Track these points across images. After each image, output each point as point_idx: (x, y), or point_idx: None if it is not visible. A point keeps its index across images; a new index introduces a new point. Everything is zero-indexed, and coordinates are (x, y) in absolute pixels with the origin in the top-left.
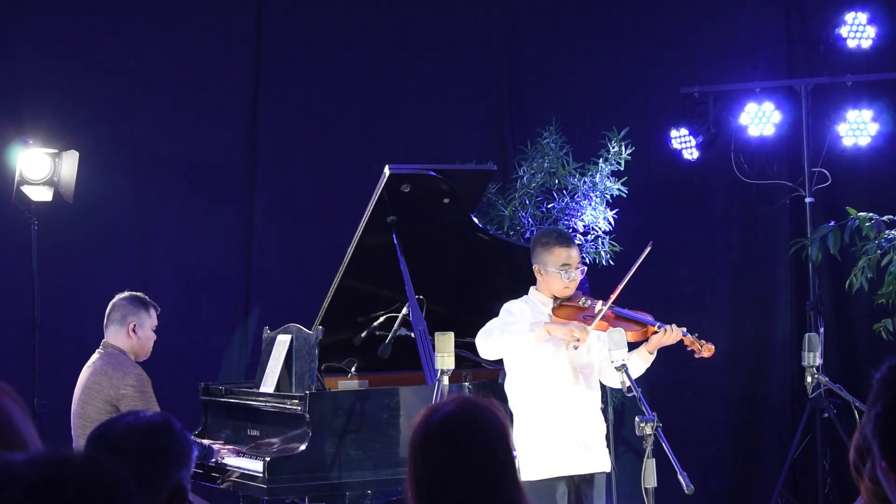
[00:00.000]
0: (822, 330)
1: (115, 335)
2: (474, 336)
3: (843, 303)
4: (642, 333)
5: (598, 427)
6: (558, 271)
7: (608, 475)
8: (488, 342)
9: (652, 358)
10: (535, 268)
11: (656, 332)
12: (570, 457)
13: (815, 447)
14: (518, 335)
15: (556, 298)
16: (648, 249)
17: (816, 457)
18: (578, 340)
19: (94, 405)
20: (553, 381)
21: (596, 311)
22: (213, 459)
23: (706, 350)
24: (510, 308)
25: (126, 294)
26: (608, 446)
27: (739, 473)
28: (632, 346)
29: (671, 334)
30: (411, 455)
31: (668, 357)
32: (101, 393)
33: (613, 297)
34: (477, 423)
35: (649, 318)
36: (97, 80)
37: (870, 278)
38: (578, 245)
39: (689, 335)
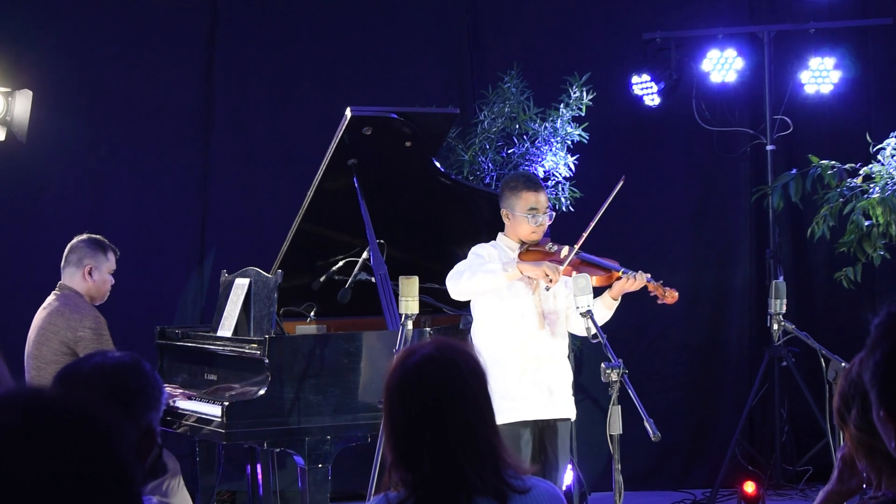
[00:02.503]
0: (781, 278)
1: (71, 277)
2: (434, 282)
3: (803, 251)
4: (607, 279)
5: (563, 374)
6: (526, 215)
7: (572, 423)
8: (459, 283)
9: (616, 304)
10: (503, 212)
11: (620, 278)
12: (534, 402)
13: (772, 396)
14: (490, 274)
15: (523, 243)
16: (620, 184)
17: (774, 405)
18: (551, 281)
19: (50, 346)
20: (519, 326)
21: (563, 257)
22: (168, 402)
23: (669, 296)
24: (478, 251)
25: (84, 236)
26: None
27: (697, 422)
28: (597, 292)
29: (636, 280)
30: (387, 399)
31: (627, 304)
32: (58, 335)
33: (580, 242)
34: (455, 365)
35: (615, 263)
36: (52, 19)
37: (831, 226)
38: None
39: (653, 281)
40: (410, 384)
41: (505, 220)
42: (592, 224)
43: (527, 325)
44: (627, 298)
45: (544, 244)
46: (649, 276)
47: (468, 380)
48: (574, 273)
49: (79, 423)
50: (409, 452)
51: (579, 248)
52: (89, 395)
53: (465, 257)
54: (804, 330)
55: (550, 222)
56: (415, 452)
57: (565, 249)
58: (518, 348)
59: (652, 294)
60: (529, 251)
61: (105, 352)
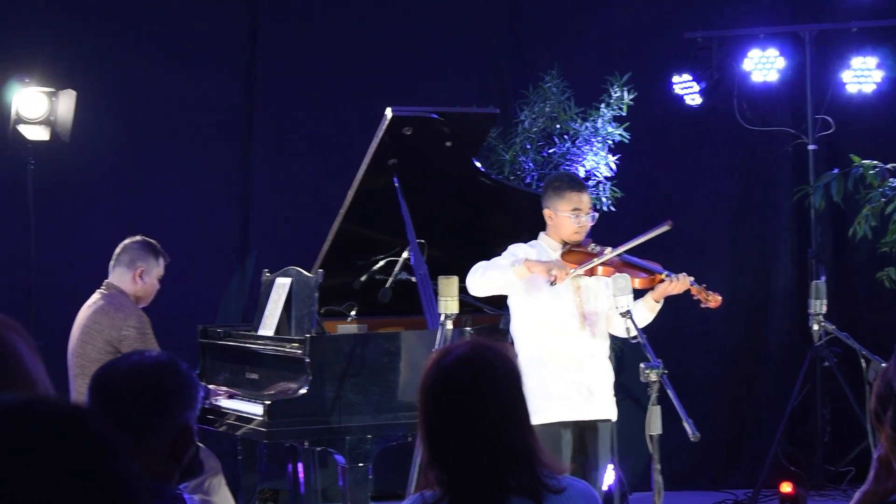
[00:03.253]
0: (823, 278)
1: (120, 277)
2: None
3: (845, 251)
4: (650, 281)
5: (604, 375)
6: (569, 216)
7: (613, 424)
8: (473, 277)
9: (658, 307)
10: (546, 212)
11: (663, 281)
12: (574, 403)
13: (814, 396)
14: (499, 270)
15: (565, 244)
16: (666, 228)
17: (816, 406)
18: (555, 278)
19: (95, 345)
20: (559, 326)
21: (605, 257)
22: (208, 400)
23: (713, 300)
24: (513, 250)
25: (138, 238)
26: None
27: (738, 422)
28: (639, 294)
29: (678, 283)
30: (422, 399)
31: (668, 304)
32: (102, 333)
33: (623, 248)
34: (490, 366)
35: (658, 266)
36: (95, 19)
37: (873, 226)
38: None
39: (696, 285)
40: (445, 385)
41: (547, 220)
42: (635, 242)
43: (567, 325)
44: (668, 300)
45: (587, 245)
46: (693, 279)
47: (502, 380)
48: (615, 273)
49: (77, 440)
50: (444, 452)
51: (623, 252)
52: (126, 394)
53: None
54: (846, 330)
55: (593, 223)
56: (449, 452)
57: (608, 251)
58: (558, 349)
59: (695, 298)
60: (571, 251)
61: (142, 351)
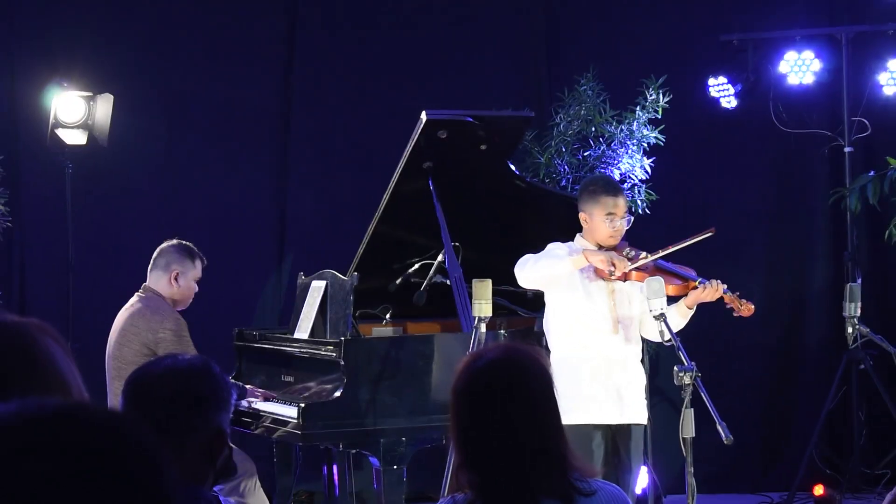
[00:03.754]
0: (859, 281)
1: (157, 280)
2: (510, 284)
3: (881, 254)
4: (683, 288)
5: (635, 379)
6: (604, 219)
7: (646, 427)
8: (525, 269)
9: (690, 313)
10: (581, 215)
11: (696, 288)
12: (605, 406)
13: (851, 399)
14: (556, 259)
15: (600, 247)
16: (709, 234)
17: (852, 408)
18: (615, 268)
19: (132, 347)
20: (592, 329)
21: (640, 260)
22: (245, 403)
23: (745, 309)
24: (553, 248)
25: (175, 241)
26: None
27: (774, 425)
28: (672, 300)
29: (712, 290)
30: (454, 402)
31: (703, 306)
32: (139, 335)
33: (661, 253)
34: (522, 370)
35: (692, 272)
36: (131, 24)
37: None
38: None
39: (729, 293)
40: (476, 387)
41: (583, 224)
42: (673, 248)
43: (600, 328)
44: (703, 303)
45: (622, 248)
46: (726, 286)
47: (534, 384)
48: (648, 277)
49: (115, 446)
50: (475, 455)
51: (658, 258)
52: (159, 397)
53: None
54: (884, 332)
55: (629, 227)
56: (480, 455)
57: (643, 255)
58: (590, 352)
59: (728, 306)
60: None
61: (175, 355)
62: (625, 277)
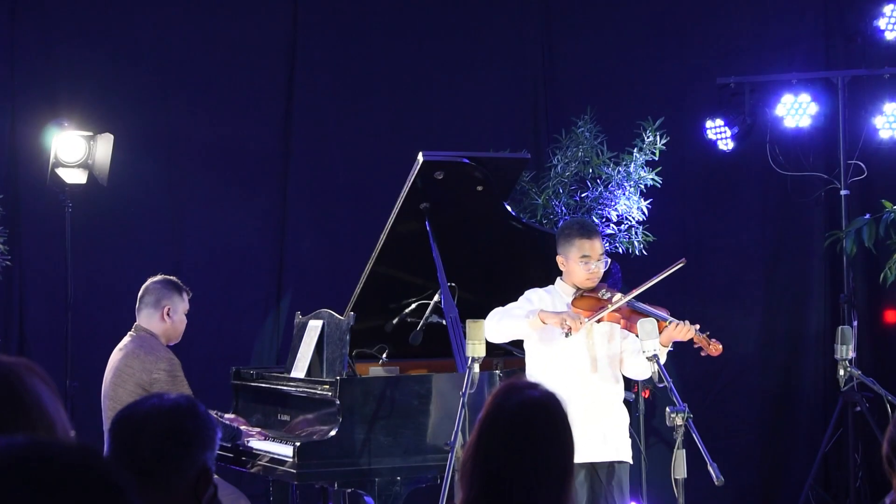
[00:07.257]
0: (855, 323)
1: (148, 319)
2: None
3: (877, 296)
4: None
5: (617, 418)
6: (579, 262)
7: (632, 466)
8: (489, 324)
9: (665, 350)
10: (559, 258)
11: (667, 327)
12: (587, 446)
13: (846, 441)
14: (515, 319)
15: (578, 289)
16: (680, 265)
17: (848, 451)
18: (570, 329)
19: (126, 388)
20: (571, 369)
21: (613, 302)
22: (241, 441)
23: (713, 348)
24: (529, 295)
25: (159, 277)
26: (638, 437)
27: (770, 467)
28: None
29: (682, 329)
30: (480, 432)
31: (699, 349)
32: (133, 376)
33: (634, 293)
34: (554, 411)
35: (665, 313)
36: (132, 64)
37: None
38: (611, 235)
39: (699, 333)
40: (509, 422)
41: (560, 266)
42: (647, 285)
43: (579, 369)
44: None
45: (598, 290)
46: (697, 327)
47: (559, 427)
48: (622, 320)
49: (82, 480)
50: (493, 490)
51: (633, 298)
52: (146, 435)
53: None
54: (879, 375)
55: (606, 269)
56: (498, 491)
57: (617, 296)
58: (569, 391)
59: (696, 346)
60: (583, 297)
61: (161, 394)
62: (600, 320)
